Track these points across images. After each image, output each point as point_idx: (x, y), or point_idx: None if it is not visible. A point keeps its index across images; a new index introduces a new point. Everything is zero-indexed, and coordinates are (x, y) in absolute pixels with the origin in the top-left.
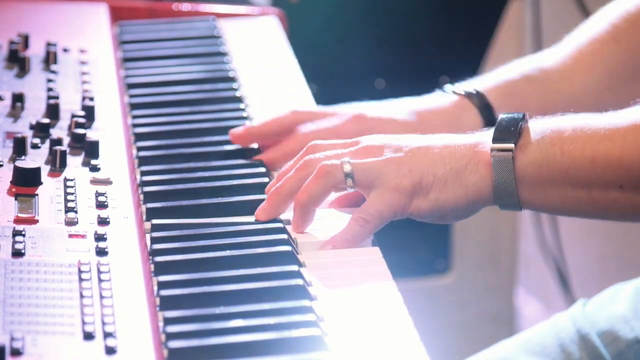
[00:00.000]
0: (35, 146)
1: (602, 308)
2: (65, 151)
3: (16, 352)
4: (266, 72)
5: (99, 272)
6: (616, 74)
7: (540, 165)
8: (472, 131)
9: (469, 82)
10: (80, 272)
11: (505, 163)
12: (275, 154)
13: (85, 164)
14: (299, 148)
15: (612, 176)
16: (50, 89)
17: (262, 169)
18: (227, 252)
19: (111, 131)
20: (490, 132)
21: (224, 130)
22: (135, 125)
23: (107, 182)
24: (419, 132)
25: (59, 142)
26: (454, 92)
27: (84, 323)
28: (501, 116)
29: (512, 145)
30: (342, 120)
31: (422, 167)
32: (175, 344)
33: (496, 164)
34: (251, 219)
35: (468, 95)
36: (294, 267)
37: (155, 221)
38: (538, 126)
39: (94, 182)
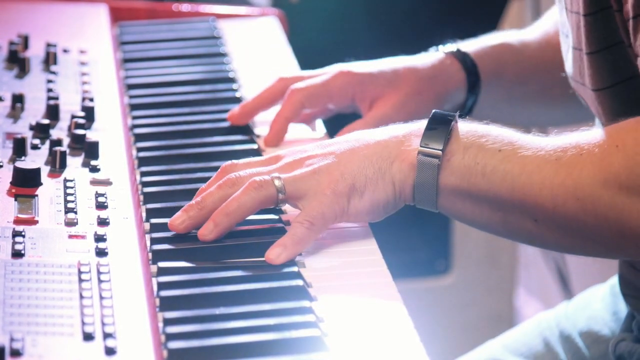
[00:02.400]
0: (35, 147)
1: (580, 309)
2: (65, 152)
3: (16, 353)
4: (266, 73)
5: (99, 272)
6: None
7: (462, 179)
8: (457, 90)
9: (452, 44)
10: (80, 272)
11: (430, 168)
12: (278, 122)
13: (85, 164)
14: (295, 106)
15: (528, 210)
16: (50, 90)
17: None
18: (227, 252)
19: (111, 132)
20: (420, 128)
21: (224, 131)
22: (135, 126)
23: (107, 182)
24: (408, 83)
25: (58, 142)
26: (439, 51)
27: (83, 324)
28: (434, 113)
29: (439, 152)
30: (329, 76)
31: (353, 170)
32: (175, 344)
33: (420, 168)
34: (251, 227)
35: (452, 53)
36: (294, 268)
37: (154, 221)
38: (466, 134)
39: (94, 182)
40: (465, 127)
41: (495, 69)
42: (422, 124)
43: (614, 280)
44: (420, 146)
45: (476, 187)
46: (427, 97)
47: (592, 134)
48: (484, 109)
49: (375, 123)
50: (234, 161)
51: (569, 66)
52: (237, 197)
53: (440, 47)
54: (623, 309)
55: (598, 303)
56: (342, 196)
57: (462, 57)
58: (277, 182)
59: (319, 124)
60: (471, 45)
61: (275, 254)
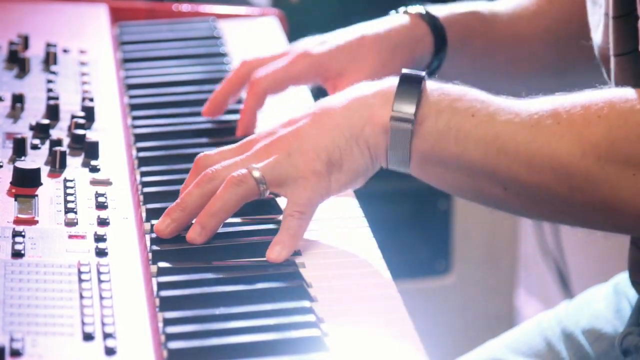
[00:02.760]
0: (35, 147)
1: (583, 308)
2: (65, 152)
3: (16, 353)
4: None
5: (99, 272)
6: (553, 30)
7: (435, 144)
8: (423, 54)
9: (422, 6)
10: (80, 272)
11: (403, 133)
12: (245, 115)
13: (85, 164)
14: (259, 95)
15: (498, 178)
16: (50, 90)
17: None
18: (227, 253)
19: (111, 132)
20: (390, 89)
21: (224, 131)
22: (135, 126)
23: (107, 182)
24: (372, 56)
25: (58, 142)
26: (406, 13)
27: (83, 324)
28: (402, 73)
29: (411, 117)
30: (290, 59)
31: (326, 145)
32: (175, 344)
33: (394, 134)
34: (251, 227)
35: (420, 15)
36: (294, 268)
37: (154, 222)
38: (438, 97)
39: (94, 182)
40: (435, 87)
41: (463, 37)
42: (391, 83)
43: (617, 279)
44: (393, 110)
45: (448, 152)
46: (393, 67)
47: (571, 100)
48: (448, 76)
49: None
50: (207, 153)
51: (597, 36)
52: (219, 195)
53: (409, 7)
54: (626, 307)
55: (600, 302)
56: (323, 175)
57: (430, 20)
58: (255, 174)
59: (309, 98)
60: (440, 10)
61: (275, 252)
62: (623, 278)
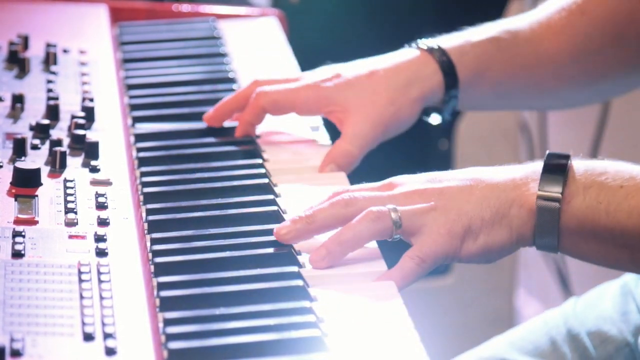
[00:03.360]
0: (35, 147)
1: (590, 307)
2: (65, 152)
3: (16, 353)
4: (266, 73)
5: (99, 273)
6: (581, 44)
7: (584, 220)
8: (434, 91)
9: (435, 39)
10: (80, 273)
11: (550, 212)
12: (241, 125)
13: (85, 164)
14: (256, 111)
15: None
16: (50, 90)
17: (262, 170)
18: (227, 253)
19: (111, 132)
20: (536, 171)
21: (224, 131)
22: (135, 127)
23: (107, 183)
24: (380, 94)
25: (58, 143)
26: (417, 47)
27: (83, 324)
28: (548, 154)
29: (559, 195)
30: (297, 85)
31: (470, 211)
32: (175, 345)
33: (540, 212)
34: (251, 227)
35: (430, 50)
36: (294, 268)
37: (154, 221)
38: (585, 174)
39: (94, 183)
40: (581, 165)
41: (477, 68)
42: (538, 166)
43: (624, 279)
44: (539, 190)
45: (600, 226)
46: (405, 101)
47: None
48: (470, 103)
49: (356, 142)
50: (351, 186)
51: None
52: (352, 225)
53: (420, 41)
54: (633, 309)
55: (608, 302)
56: (457, 237)
57: (439, 56)
58: (393, 215)
59: (322, 132)
60: (453, 40)
61: (382, 286)
62: (632, 277)
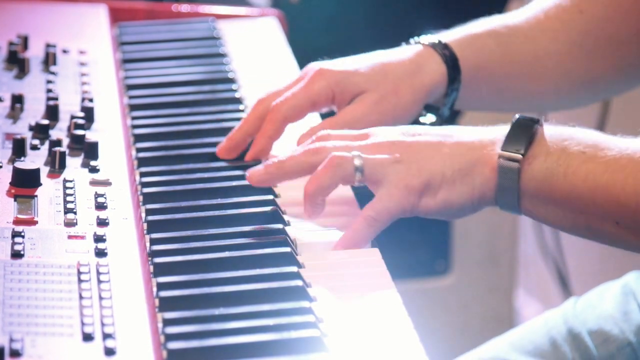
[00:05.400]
0: (34, 147)
1: (591, 307)
2: (64, 152)
3: (15, 353)
4: (266, 73)
5: (98, 273)
6: (579, 42)
7: (543, 182)
8: (437, 85)
9: (435, 34)
10: (79, 273)
11: (510, 172)
12: (260, 141)
13: (85, 165)
14: (278, 123)
15: (609, 211)
16: (49, 90)
17: None
18: (227, 253)
19: (110, 132)
20: (503, 133)
21: (224, 131)
22: (134, 127)
23: (106, 183)
24: (385, 81)
25: (58, 143)
26: (419, 43)
27: (83, 324)
28: (516, 117)
29: (519, 156)
30: (307, 80)
31: (432, 167)
32: (174, 345)
33: (501, 171)
34: (251, 227)
35: (432, 45)
36: (293, 268)
37: (154, 221)
38: (550, 138)
39: (94, 183)
40: (550, 130)
41: (478, 61)
42: (506, 127)
43: (625, 279)
44: (502, 150)
45: (557, 189)
46: (404, 95)
47: None
48: (469, 101)
49: (344, 124)
50: (329, 131)
51: None
52: (315, 177)
53: (421, 37)
54: (635, 308)
55: (609, 302)
56: (414, 192)
57: (441, 49)
58: (357, 161)
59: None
60: (453, 35)
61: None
62: (632, 277)
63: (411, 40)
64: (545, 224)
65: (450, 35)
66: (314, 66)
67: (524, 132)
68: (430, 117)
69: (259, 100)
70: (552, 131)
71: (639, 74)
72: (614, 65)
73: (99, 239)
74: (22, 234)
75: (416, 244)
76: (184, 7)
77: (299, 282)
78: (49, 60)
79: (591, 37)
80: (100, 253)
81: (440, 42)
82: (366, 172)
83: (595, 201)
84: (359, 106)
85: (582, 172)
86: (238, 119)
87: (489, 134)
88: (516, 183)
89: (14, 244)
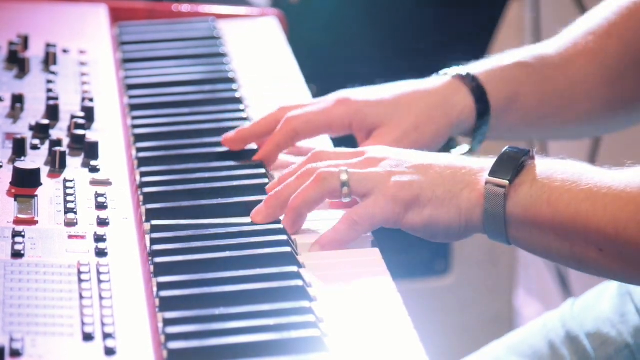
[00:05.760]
0: (34, 147)
1: (588, 309)
2: (64, 152)
3: (16, 353)
4: (266, 73)
5: (99, 273)
6: (611, 67)
7: (528, 209)
8: (464, 118)
9: (464, 66)
10: (79, 273)
11: (497, 198)
12: (268, 147)
13: (85, 165)
14: (289, 135)
15: (591, 238)
16: (49, 90)
17: (262, 170)
18: (227, 253)
19: (111, 132)
20: (491, 162)
21: (224, 131)
22: (134, 126)
23: (106, 183)
24: (406, 117)
25: (58, 143)
26: (447, 75)
27: (83, 324)
28: (505, 149)
29: (506, 182)
30: (328, 104)
31: (423, 183)
32: (174, 345)
33: (488, 197)
34: (251, 227)
35: (460, 77)
36: (294, 268)
37: (154, 222)
38: (538, 168)
39: (94, 183)
40: (539, 162)
41: (508, 93)
42: (495, 158)
43: None
44: (489, 176)
45: (541, 216)
46: (429, 128)
47: None
48: (500, 132)
49: None
50: (323, 149)
51: None
52: (302, 192)
53: (450, 69)
54: (632, 310)
55: (606, 303)
56: (401, 204)
57: (470, 82)
58: (342, 176)
59: (328, 142)
60: (482, 66)
61: (313, 247)
62: None
63: (440, 72)
64: (532, 254)
65: (478, 67)
66: (340, 93)
67: (512, 161)
68: (463, 149)
69: (281, 107)
70: (541, 162)
71: None
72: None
73: (99, 238)
74: (23, 233)
75: (416, 244)
76: (184, 7)
77: (299, 282)
78: (49, 60)
79: (623, 60)
80: (101, 253)
81: (469, 74)
82: (352, 185)
83: (576, 228)
84: (384, 139)
85: (564, 199)
86: (238, 119)
87: (477, 163)
88: (502, 209)
89: (14, 243)
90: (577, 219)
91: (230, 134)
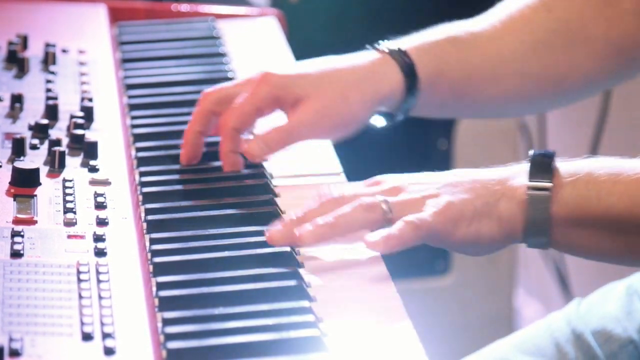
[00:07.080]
0: (34, 147)
1: (595, 307)
2: (64, 152)
3: (15, 353)
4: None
5: (98, 272)
6: (545, 41)
7: (575, 208)
8: (392, 92)
9: (393, 41)
10: (79, 272)
11: (541, 202)
12: (227, 159)
13: (84, 164)
14: (231, 135)
15: None
16: (49, 90)
17: (261, 170)
18: (226, 253)
19: (110, 132)
20: (522, 167)
21: None
22: (134, 126)
23: (106, 182)
24: (332, 86)
25: (57, 142)
26: (376, 49)
27: (82, 324)
28: (534, 152)
29: (550, 184)
30: (253, 87)
31: (462, 199)
32: (174, 344)
33: (531, 202)
34: (250, 227)
35: (390, 51)
36: (293, 268)
37: (153, 221)
38: (569, 167)
39: (93, 182)
40: (565, 164)
41: (437, 67)
42: (523, 164)
43: (629, 280)
44: (529, 181)
45: (592, 212)
46: (357, 99)
47: None
48: (430, 108)
49: (296, 130)
50: (339, 188)
51: None
52: (347, 213)
53: (381, 43)
54: (638, 308)
55: (612, 303)
56: (450, 220)
57: (399, 56)
58: (384, 206)
59: (334, 159)
60: (413, 41)
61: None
62: (637, 279)
63: (368, 47)
64: (577, 256)
65: (408, 42)
66: (264, 69)
67: (546, 164)
68: (381, 120)
69: (204, 94)
70: (569, 163)
71: (606, 75)
72: (582, 66)
73: (98, 238)
74: (22, 233)
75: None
76: (184, 7)
77: (298, 282)
78: (49, 59)
79: (559, 35)
80: (100, 253)
81: (398, 49)
82: (395, 212)
83: (633, 219)
84: (304, 112)
85: (615, 193)
86: None
87: (501, 172)
88: (547, 213)
89: (13, 243)
90: (633, 210)
91: (182, 152)
